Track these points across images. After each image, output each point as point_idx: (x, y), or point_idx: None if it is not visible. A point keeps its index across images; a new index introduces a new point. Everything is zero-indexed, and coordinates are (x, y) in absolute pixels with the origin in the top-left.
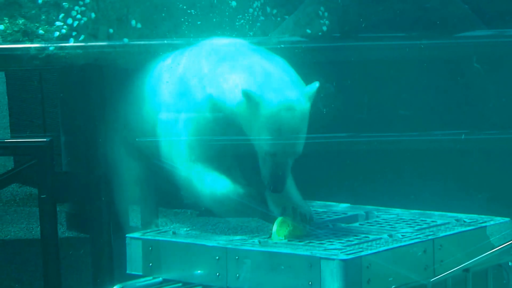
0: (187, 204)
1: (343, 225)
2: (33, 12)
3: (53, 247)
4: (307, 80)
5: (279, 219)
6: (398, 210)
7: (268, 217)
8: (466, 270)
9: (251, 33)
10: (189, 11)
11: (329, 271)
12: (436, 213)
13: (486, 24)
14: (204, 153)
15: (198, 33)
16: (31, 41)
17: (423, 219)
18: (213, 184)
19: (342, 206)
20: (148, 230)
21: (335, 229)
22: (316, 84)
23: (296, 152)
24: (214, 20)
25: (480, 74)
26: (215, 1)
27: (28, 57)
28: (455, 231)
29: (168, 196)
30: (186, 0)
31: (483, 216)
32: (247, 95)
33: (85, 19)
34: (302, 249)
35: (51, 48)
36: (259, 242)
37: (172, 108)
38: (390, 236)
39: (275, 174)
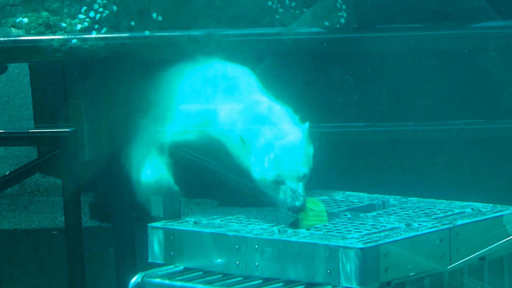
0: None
1: (361, 214)
2: (55, 5)
3: (76, 237)
4: (327, 72)
5: None
6: (415, 199)
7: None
8: (482, 258)
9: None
10: (208, 4)
11: (347, 259)
12: (453, 202)
13: (501, 15)
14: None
15: (217, 26)
16: (54, 34)
17: (440, 208)
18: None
19: (360, 196)
20: (170, 220)
21: (353, 218)
22: (307, 125)
23: (302, 173)
24: (233, 12)
25: (497, 63)
26: None
27: (51, 50)
28: (471, 220)
29: (190, 186)
30: None
31: (498, 205)
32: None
33: (107, 12)
34: (320, 238)
35: (73, 41)
36: (278, 231)
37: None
38: (408, 225)
39: (290, 203)
